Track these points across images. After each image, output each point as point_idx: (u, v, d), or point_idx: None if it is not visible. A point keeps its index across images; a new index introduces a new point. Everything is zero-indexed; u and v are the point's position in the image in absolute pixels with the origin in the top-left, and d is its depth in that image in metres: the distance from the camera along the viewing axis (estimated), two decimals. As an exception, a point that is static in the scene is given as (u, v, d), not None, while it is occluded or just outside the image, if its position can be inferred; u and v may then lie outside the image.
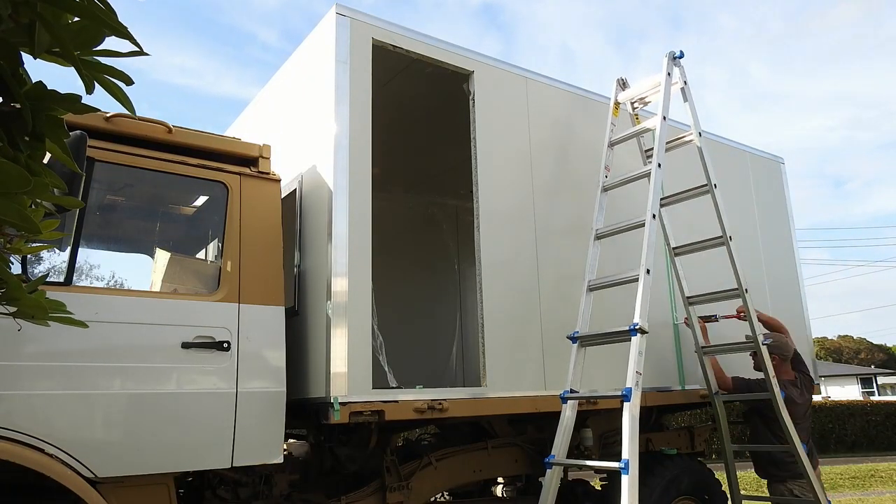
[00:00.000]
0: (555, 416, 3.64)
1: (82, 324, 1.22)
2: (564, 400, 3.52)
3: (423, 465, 3.75)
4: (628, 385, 3.19)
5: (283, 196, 3.43)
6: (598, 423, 4.34)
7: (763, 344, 4.03)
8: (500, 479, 4.75)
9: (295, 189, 3.54)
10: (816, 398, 22.31)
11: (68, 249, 2.63)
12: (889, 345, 58.21)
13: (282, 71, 4.08)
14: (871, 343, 57.02)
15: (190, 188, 3.40)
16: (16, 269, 2.53)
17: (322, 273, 3.18)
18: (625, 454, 3.05)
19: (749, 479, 11.35)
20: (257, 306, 3.02)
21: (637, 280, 3.52)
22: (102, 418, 2.57)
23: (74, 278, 2.66)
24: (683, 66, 4.33)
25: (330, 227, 3.13)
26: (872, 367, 45.82)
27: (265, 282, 3.07)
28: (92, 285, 3.17)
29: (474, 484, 4.48)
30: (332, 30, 3.34)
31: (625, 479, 3.00)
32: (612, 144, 4.26)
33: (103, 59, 0.95)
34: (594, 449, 4.31)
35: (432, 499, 3.95)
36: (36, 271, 2.92)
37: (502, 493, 4.71)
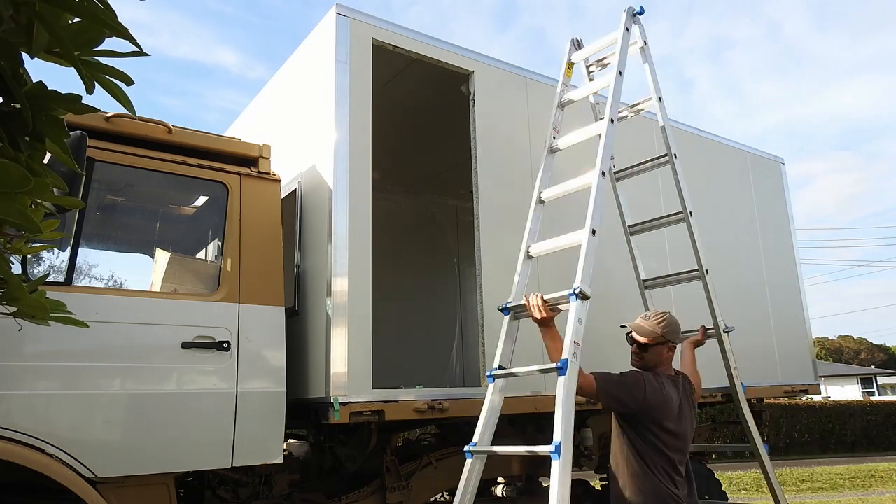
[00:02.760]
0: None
1: (83, 323, 1.22)
2: (492, 378, 3.08)
3: (422, 465, 3.76)
4: (564, 356, 2.75)
5: (283, 196, 3.43)
6: (599, 423, 4.34)
7: (724, 331, 3.63)
8: (500, 479, 4.75)
9: (295, 189, 3.54)
10: (817, 398, 22.24)
11: (68, 249, 2.63)
12: (889, 345, 58.26)
13: (282, 71, 4.09)
14: (872, 343, 57.05)
15: (190, 188, 3.40)
16: (15, 269, 2.53)
17: (322, 273, 3.18)
18: (556, 436, 2.62)
19: (749, 478, 11.37)
20: (257, 306, 3.02)
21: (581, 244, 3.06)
22: (102, 418, 2.57)
23: (74, 278, 2.66)
24: (643, 25, 3.92)
25: (330, 227, 3.13)
26: (872, 367, 45.84)
27: (265, 282, 3.07)
28: (92, 285, 3.18)
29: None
30: (332, 30, 3.34)
31: (555, 464, 2.58)
32: (562, 105, 3.86)
33: (103, 59, 0.95)
34: (594, 449, 4.31)
35: (432, 499, 3.95)
36: (36, 271, 2.92)
37: (502, 493, 4.71)
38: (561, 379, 2.73)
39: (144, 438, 2.63)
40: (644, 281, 3.98)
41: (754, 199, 5.61)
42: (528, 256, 3.34)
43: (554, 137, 3.70)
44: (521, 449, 3.02)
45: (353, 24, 3.39)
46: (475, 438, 3.03)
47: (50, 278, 2.65)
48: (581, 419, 4.20)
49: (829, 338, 56.20)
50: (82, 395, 2.54)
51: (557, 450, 2.59)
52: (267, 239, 3.14)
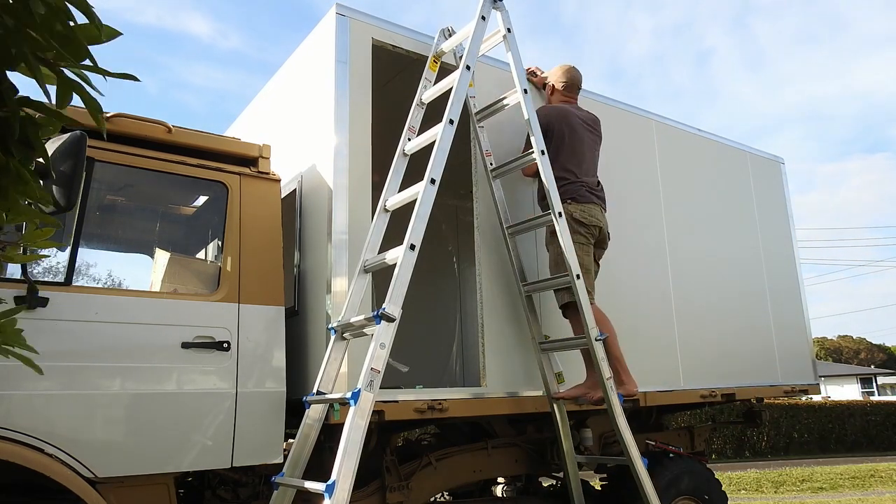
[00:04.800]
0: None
1: (38, 369, 1.16)
2: (308, 404, 2.88)
3: (422, 465, 3.75)
4: (358, 386, 2.57)
5: (283, 196, 3.43)
6: (599, 423, 4.34)
7: (596, 340, 3.38)
8: (499, 479, 4.75)
9: (295, 189, 3.54)
10: (816, 398, 22.21)
11: (68, 250, 2.63)
12: (889, 345, 58.26)
13: (281, 70, 4.09)
14: (871, 343, 57.06)
15: (190, 188, 3.41)
16: (15, 269, 2.54)
17: (322, 273, 3.18)
18: (334, 474, 2.38)
19: (749, 478, 11.37)
20: (257, 306, 3.02)
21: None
22: (102, 418, 2.57)
23: (74, 278, 2.66)
24: (507, 11, 3.65)
25: (330, 227, 3.13)
26: (872, 367, 45.86)
27: (265, 282, 3.07)
28: (92, 285, 3.17)
29: (474, 484, 4.48)
30: (332, 30, 3.34)
31: (327, 502, 2.36)
32: (422, 103, 3.55)
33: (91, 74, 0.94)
34: (595, 449, 4.31)
35: (432, 499, 3.95)
36: (36, 272, 2.92)
37: (502, 493, 4.71)
38: (351, 409, 2.53)
39: (144, 438, 2.63)
40: (524, 285, 3.68)
41: (754, 199, 5.62)
42: (364, 270, 3.07)
43: (409, 139, 3.42)
44: (309, 485, 2.58)
45: (353, 23, 3.39)
46: (285, 468, 2.81)
47: (49, 278, 2.64)
48: (581, 419, 4.20)
49: (829, 338, 56.22)
50: (82, 395, 2.54)
51: (329, 490, 2.34)
52: (267, 239, 3.14)
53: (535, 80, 4.25)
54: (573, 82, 4.11)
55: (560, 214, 3.46)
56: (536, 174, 3.64)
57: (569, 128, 3.89)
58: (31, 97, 0.94)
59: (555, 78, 4.13)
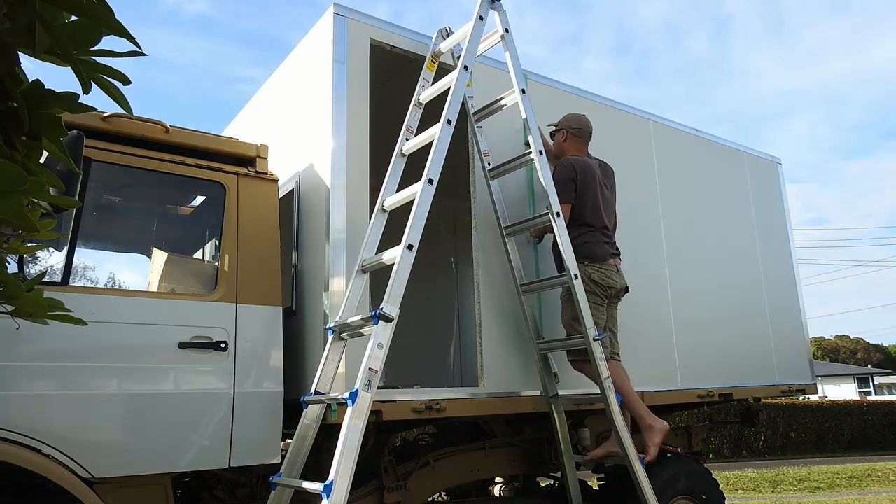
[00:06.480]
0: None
1: (81, 321, 1.22)
2: (305, 404, 2.88)
3: (420, 465, 3.75)
4: (356, 386, 2.56)
5: (280, 196, 3.42)
6: (596, 423, 4.34)
7: (595, 339, 3.35)
8: (497, 479, 4.76)
9: (292, 189, 3.54)
10: (813, 398, 22.24)
11: (65, 249, 2.62)
12: (886, 344, 58.42)
13: (279, 70, 4.09)
14: (868, 343, 57.23)
15: (187, 188, 3.40)
16: (12, 269, 2.53)
17: (319, 273, 3.18)
18: (332, 474, 2.38)
19: (746, 478, 11.40)
20: (255, 306, 3.02)
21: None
22: (99, 419, 2.57)
23: (71, 278, 2.66)
24: (505, 11, 3.65)
25: (327, 227, 3.13)
26: (869, 366, 46.00)
27: (263, 282, 3.07)
28: (89, 285, 3.17)
29: (472, 484, 4.48)
30: (330, 29, 3.34)
31: (325, 503, 2.35)
32: (420, 103, 3.55)
33: (100, 59, 0.95)
34: (592, 448, 4.31)
35: (430, 499, 3.95)
36: (32, 271, 2.92)
37: (500, 493, 4.71)
38: (348, 410, 2.52)
39: (141, 439, 2.63)
40: (522, 285, 3.67)
41: (751, 199, 5.63)
42: (362, 271, 3.08)
43: (407, 139, 3.42)
44: (308, 485, 2.56)
45: (350, 24, 3.39)
46: (283, 469, 2.81)
47: (46, 278, 2.64)
48: (578, 418, 4.21)
49: (826, 337, 56.37)
50: (79, 396, 2.54)
51: (327, 490, 2.34)
52: (264, 239, 3.14)
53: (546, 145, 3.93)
54: (586, 130, 4.00)
55: (558, 214, 3.46)
56: (549, 232, 3.65)
57: (592, 182, 3.82)
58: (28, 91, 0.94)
59: (566, 124, 4.01)
